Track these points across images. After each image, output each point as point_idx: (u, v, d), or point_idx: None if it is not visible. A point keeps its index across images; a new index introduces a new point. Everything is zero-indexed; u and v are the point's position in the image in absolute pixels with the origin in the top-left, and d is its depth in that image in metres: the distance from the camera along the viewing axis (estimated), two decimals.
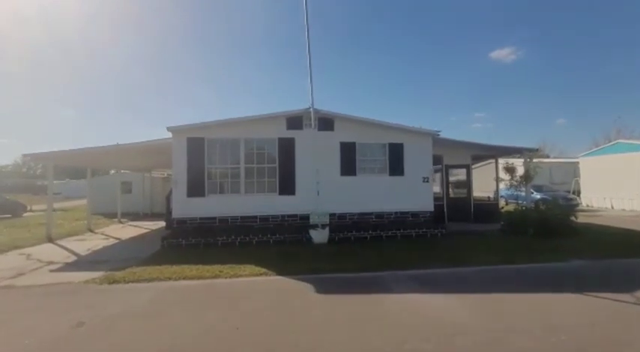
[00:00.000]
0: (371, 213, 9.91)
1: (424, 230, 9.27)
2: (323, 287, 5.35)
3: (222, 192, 9.40)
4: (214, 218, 9.21)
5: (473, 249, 7.70)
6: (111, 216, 15.67)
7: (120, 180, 17.49)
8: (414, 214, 10.08)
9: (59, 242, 9.83)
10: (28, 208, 21.73)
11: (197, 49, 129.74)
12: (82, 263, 7.24)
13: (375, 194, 9.91)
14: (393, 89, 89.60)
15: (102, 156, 10.76)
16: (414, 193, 10.09)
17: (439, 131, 10.08)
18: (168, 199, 10.97)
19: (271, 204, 9.45)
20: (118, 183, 16.16)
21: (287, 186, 9.55)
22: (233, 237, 8.54)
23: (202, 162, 9.23)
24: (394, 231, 9.15)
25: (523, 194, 15.56)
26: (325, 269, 6.35)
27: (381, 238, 9.09)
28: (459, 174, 12.43)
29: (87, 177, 13.07)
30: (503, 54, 72.28)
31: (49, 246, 9.23)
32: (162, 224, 12.59)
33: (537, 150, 11.38)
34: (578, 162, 20.80)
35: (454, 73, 73.42)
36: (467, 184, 12.07)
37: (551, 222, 8.95)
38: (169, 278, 5.88)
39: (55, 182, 32.45)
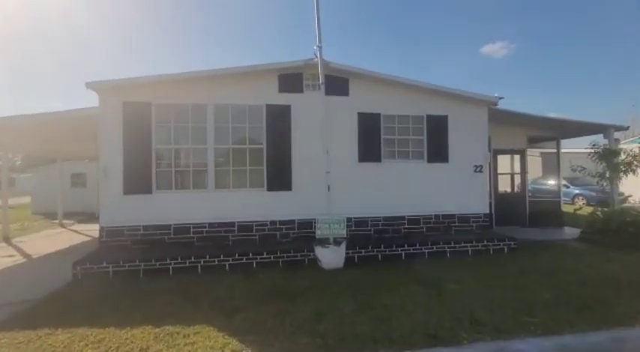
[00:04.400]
0: (402, 218, 6.82)
1: (485, 243, 6.21)
2: None
3: (180, 186, 6.17)
4: (167, 226, 5.99)
5: (607, 282, 4.65)
6: (56, 215, 12.24)
7: (71, 172, 14.09)
8: (462, 218, 7.03)
9: None
10: None
11: None
12: None
13: (407, 189, 6.81)
14: None
15: (5, 130, 7.34)
16: (462, 188, 7.02)
17: (500, 97, 6.97)
18: None
19: (256, 205, 6.27)
20: (66, 175, 12.74)
21: (279, 177, 6.36)
22: (194, 258, 5.34)
23: (148, 141, 5.96)
24: (440, 246, 6.07)
25: (572, 189, 12.66)
26: (357, 340, 3.23)
27: (422, 256, 5.99)
28: (508, 162, 9.37)
29: (2, 166, 9.60)
30: (494, 48, 69.70)
31: None
32: None
33: (627, 127, 8.46)
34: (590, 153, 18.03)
35: (444, 69, 70.83)
36: (521, 176, 9.05)
37: None
38: None
39: (22, 176, 28.51)
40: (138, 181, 5.89)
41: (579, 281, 4.68)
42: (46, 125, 6.63)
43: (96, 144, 9.79)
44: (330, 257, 5.26)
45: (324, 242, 5.36)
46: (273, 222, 6.33)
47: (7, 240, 8.50)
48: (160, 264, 5.20)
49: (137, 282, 4.89)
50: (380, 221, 6.72)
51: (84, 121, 6.55)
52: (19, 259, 6.60)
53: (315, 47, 5.76)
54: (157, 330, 3.39)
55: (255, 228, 6.26)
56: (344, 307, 3.92)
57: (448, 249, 6.07)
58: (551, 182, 10.05)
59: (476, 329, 3.39)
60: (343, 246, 5.37)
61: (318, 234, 5.39)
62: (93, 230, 10.00)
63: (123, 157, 5.85)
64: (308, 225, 6.40)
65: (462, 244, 6.14)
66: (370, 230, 6.65)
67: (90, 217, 12.99)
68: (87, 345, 3.14)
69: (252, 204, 6.26)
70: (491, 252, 6.20)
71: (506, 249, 6.25)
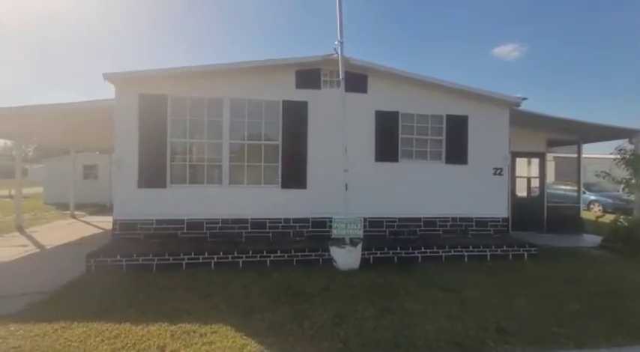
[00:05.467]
0: (417, 219, 6.66)
1: (504, 249, 6.01)
2: None
3: (194, 181, 6.10)
4: (180, 221, 5.93)
5: (637, 294, 4.45)
6: (68, 206, 12.30)
7: (83, 163, 14.18)
8: (480, 222, 6.84)
9: None
10: None
11: None
12: None
13: (424, 190, 6.65)
14: None
15: (25, 120, 7.35)
16: (480, 191, 6.83)
17: (523, 97, 6.75)
18: None
19: (270, 203, 6.17)
20: (78, 167, 12.81)
21: (294, 174, 6.25)
22: (207, 254, 5.26)
23: (163, 134, 5.89)
24: (458, 249, 5.90)
25: (588, 195, 12.34)
26: (379, 346, 3.10)
27: (439, 259, 5.83)
28: (526, 165, 9.12)
29: (17, 157, 9.66)
30: (506, 50, 68.55)
31: None
32: None
33: None
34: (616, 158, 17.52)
35: (454, 70, 69.88)
36: (539, 180, 8.80)
37: None
38: None
39: (35, 166, 28.86)
40: (152, 175, 5.83)
41: (607, 292, 4.48)
42: (68, 114, 6.58)
43: (110, 136, 9.83)
44: (346, 257, 5.13)
45: (340, 242, 5.23)
46: (286, 220, 6.23)
47: (20, 229, 8.55)
48: (173, 259, 5.13)
49: (151, 277, 4.82)
50: (395, 222, 6.57)
51: (100, 113, 6.51)
52: (32, 249, 6.60)
53: (335, 43, 5.62)
54: (173, 328, 3.30)
55: (268, 225, 6.17)
56: (363, 311, 3.79)
57: (466, 254, 5.90)
58: (567, 187, 9.76)
59: (504, 339, 3.24)
60: (360, 246, 5.24)
61: (335, 233, 5.27)
62: (104, 222, 10.03)
63: (138, 150, 5.79)
64: (322, 224, 6.28)
65: (481, 249, 5.96)
66: (385, 231, 6.50)
67: (101, 209, 13.07)
68: (103, 341, 3.06)
69: (266, 201, 6.16)
70: (510, 257, 6.01)
71: (526, 256, 6.05)
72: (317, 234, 6.22)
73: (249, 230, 6.11)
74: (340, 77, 5.56)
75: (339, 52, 5.59)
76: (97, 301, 3.95)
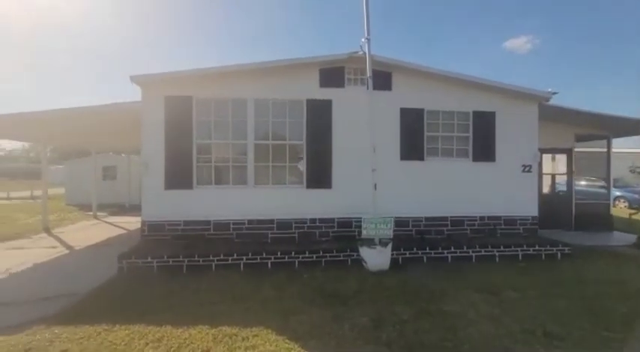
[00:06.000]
0: (444, 218, 6.53)
1: (537, 248, 5.85)
2: None
3: (219, 182, 6.10)
4: (207, 222, 5.94)
5: None
6: (89, 207, 12.53)
7: (102, 164, 14.43)
8: (509, 220, 6.68)
9: None
10: (6, 195, 18.96)
11: None
12: None
13: (451, 189, 6.52)
14: None
15: (44, 126, 7.48)
16: (509, 189, 6.66)
17: (554, 92, 6.53)
18: None
19: (295, 203, 6.14)
20: (97, 168, 13.03)
21: (319, 174, 6.20)
22: (236, 255, 5.26)
23: (189, 136, 5.90)
24: (489, 249, 5.76)
25: (613, 191, 12.01)
26: (424, 350, 3.03)
27: (469, 259, 5.71)
28: (551, 162, 8.86)
29: (42, 158, 9.87)
30: (518, 43, 66.92)
31: None
32: None
33: None
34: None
35: (463, 64, 68.60)
36: (567, 176, 8.54)
37: None
38: None
39: (52, 167, 29.62)
40: (179, 176, 5.85)
41: None
42: (98, 117, 6.67)
43: (132, 137, 9.94)
44: (377, 258, 5.06)
45: (369, 242, 5.16)
46: (312, 220, 6.18)
47: (47, 230, 8.74)
48: (203, 261, 5.15)
49: (182, 278, 4.85)
50: (422, 221, 6.46)
51: (123, 115, 6.58)
52: (62, 250, 6.72)
53: (362, 39, 5.52)
54: (214, 331, 3.29)
55: (294, 225, 6.14)
56: (401, 313, 3.72)
57: (497, 253, 5.76)
58: (593, 183, 9.47)
59: (553, 343, 3.13)
60: (390, 247, 5.15)
61: (364, 234, 5.20)
62: (125, 222, 10.20)
63: (164, 152, 5.82)
64: (348, 224, 6.23)
65: (512, 248, 5.80)
66: (411, 230, 6.40)
67: (121, 209, 13.30)
68: (147, 344, 3.07)
69: (291, 202, 6.13)
70: (543, 257, 5.84)
71: (559, 255, 5.87)
72: (343, 234, 6.16)
73: (275, 230, 6.09)
74: (368, 75, 5.46)
75: (367, 50, 5.50)
76: (134, 303, 3.98)
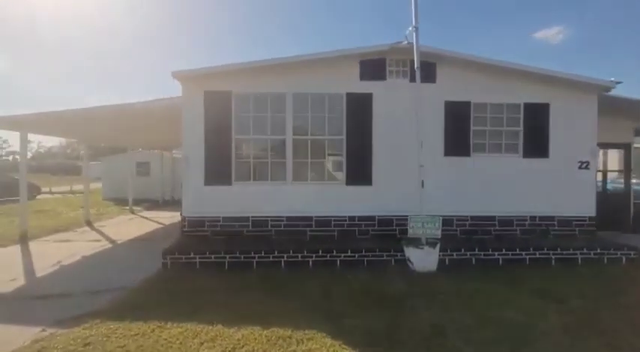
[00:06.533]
0: (492, 218, 6.15)
1: (598, 251, 5.37)
2: None
3: (257, 178, 6.02)
4: (245, 218, 5.89)
5: None
6: (125, 202, 12.97)
7: (136, 161, 14.87)
8: (563, 221, 6.20)
9: (35, 242, 7.02)
10: (48, 190, 20.04)
11: None
12: (21, 298, 4.17)
13: (499, 186, 6.12)
14: None
15: (89, 123, 7.70)
16: (563, 187, 6.18)
17: (618, 81, 5.96)
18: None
19: (334, 200, 5.96)
20: (132, 164, 13.43)
21: (359, 170, 5.98)
22: (277, 253, 5.16)
23: (228, 131, 5.85)
24: (544, 252, 5.34)
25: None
26: None
27: (522, 262, 5.32)
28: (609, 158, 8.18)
29: (83, 155, 10.25)
30: (550, 34, 63.16)
31: (13, 250, 6.39)
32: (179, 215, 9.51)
33: None
34: None
35: (493, 55, 65.81)
36: (625, 174, 7.85)
37: None
38: None
39: (93, 163, 31.23)
40: (218, 172, 5.82)
41: None
42: (137, 113, 6.76)
43: (164, 134, 10.09)
44: (424, 259, 4.80)
45: (416, 242, 4.90)
46: (351, 218, 5.99)
47: (89, 224, 9.07)
48: (244, 258, 5.08)
49: (225, 275, 4.80)
50: (467, 220, 6.12)
51: (160, 112, 6.63)
52: (105, 244, 6.92)
53: (409, 28, 5.23)
54: (266, 332, 3.18)
55: (333, 223, 5.97)
56: (461, 320, 3.47)
57: (553, 256, 5.33)
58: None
59: None
60: (438, 247, 4.88)
61: (410, 232, 4.95)
62: (160, 217, 10.45)
63: (204, 147, 5.79)
64: (388, 222, 5.99)
65: (571, 251, 5.36)
66: (456, 230, 6.07)
67: (154, 204, 13.68)
68: (202, 344, 3.00)
69: (330, 199, 5.96)
70: (605, 261, 5.36)
71: (624, 259, 5.36)
72: (383, 233, 5.94)
73: (314, 228, 5.95)
74: (416, 66, 5.17)
75: (414, 39, 5.19)
76: (181, 299, 3.95)
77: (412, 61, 5.88)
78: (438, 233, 4.91)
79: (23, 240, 6.99)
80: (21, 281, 4.70)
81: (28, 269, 5.27)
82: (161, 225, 9.19)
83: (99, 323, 3.34)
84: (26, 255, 6.09)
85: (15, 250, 6.38)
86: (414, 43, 5.19)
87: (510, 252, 5.33)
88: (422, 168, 5.08)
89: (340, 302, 3.93)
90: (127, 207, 11.90)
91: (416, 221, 4.91)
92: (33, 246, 6.73)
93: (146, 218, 10.41)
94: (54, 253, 6.10)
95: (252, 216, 5.91)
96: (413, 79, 5.93)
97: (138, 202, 13.43)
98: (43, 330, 3.25)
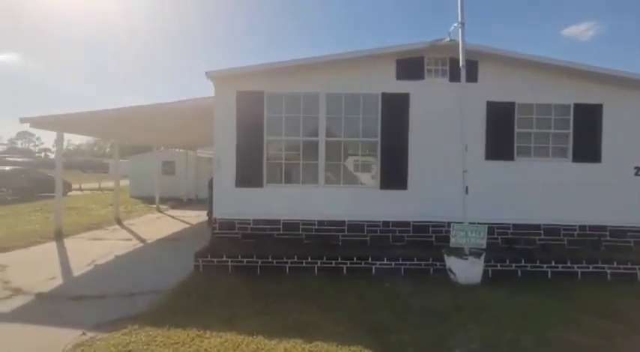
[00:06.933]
0: (536, 227, 5.76)
1: None
2: None
3: (289, 180, 5.89)
4: (276, 222, 5.76)
5: None
6: (151, 200, 13.21)
7: (161, 159, 15.11)
8: (616, 231, 5.72)
9: (70, 239, 7.18)
10: (78, 187, 20.77)
11: None
12: (59, 298, 4.19)
13: (545, 193, 5.72)
14: None
15: (123, 123, 7.82)
16: (618, 195, 5.71)
17: None
18: (210, 186, 7.74)
19: (368, 204, 5.74)
20: (158, 163, 13.65)
21: (394, 174, 5.73)
22: (310, 259, 5.00)
23: (260, 132, 5.74)
24: (599, 265, 4.92)
25: None
26: None
27: (574, 276, 4.92)
28: None
29: (113, 153, 10.48)
30: (579, 30, 60.10)
31: (49, 247, 6.55)
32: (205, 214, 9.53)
33: None
34: None
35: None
36: None
37: None
38: None
39: (120, 161, 32.31)
40: (249, 174, 5.72)
41: None
42: (172, 113, 6.79)
43: (191, 134, 10.16)
44: (468, 270, 4.51)
45: (459, 252, 4.61)
46: (385, 224, 5.75)
47: (119, 222, 9.23)
48: (277, 262, 4.95)
49: (258, 280, 4.68)
50: (509, 229, 5.75)
51: (194, 112, 6.62)
52: (136, 243, 6.98)
53: (454, 24, 4.94)
54: (309, 346, 3.01)
55: (366, 228, 5.75)
56: (517, 339, 3.19)
57: (609, 270, 4.91)
58: None
59: None
60: (482, 258, 4.57)
61: (453, 241, 4.66)
62: (187, 216, 10.53)
63: (236, 149, 5.71)
64: (424, 228, 5.72)
65: (629, 265, 4.91)
66: (497, 239, 5.71)
67: (179, 203, 13.86)
68: None
69: (363, 203, 5.75)
70: None
71: None
72: (419, 240, 5.67)
73: (346, 233, 5.75)
74: (461, 64, 4.88)
75: (460, 36, 4.90)
76: (218, 305, 3.85)
77: (452, 59, 5.63)
78: (483, 243, 4.60)
79: (58, 236, 7.16)
80: (59, 281, 4.75)
81: (65, 267, 5.34)
82: (188, 225, 9.24)
83: (137, 329, 3.27)
84: (62, 253, 6.21)
85: (52, 247, 6.53)
86: (460, 40, 4.90)
87: (560, 265, 4.94)
88: (465, 173, 4.77)
89: (382, 314, 3.72)
90: (154, 205, 12.08)
91: (459, 230, 4.62)
92: (68, 243, 6.87)
93: (173, 217, 10.51)
94: (88, 251, 6.19)
95: (283, 220, 5.77)
96: (453, 78, 5.67)
97: (163, 200, 13.62)
98: (84, 334, 3.21)
